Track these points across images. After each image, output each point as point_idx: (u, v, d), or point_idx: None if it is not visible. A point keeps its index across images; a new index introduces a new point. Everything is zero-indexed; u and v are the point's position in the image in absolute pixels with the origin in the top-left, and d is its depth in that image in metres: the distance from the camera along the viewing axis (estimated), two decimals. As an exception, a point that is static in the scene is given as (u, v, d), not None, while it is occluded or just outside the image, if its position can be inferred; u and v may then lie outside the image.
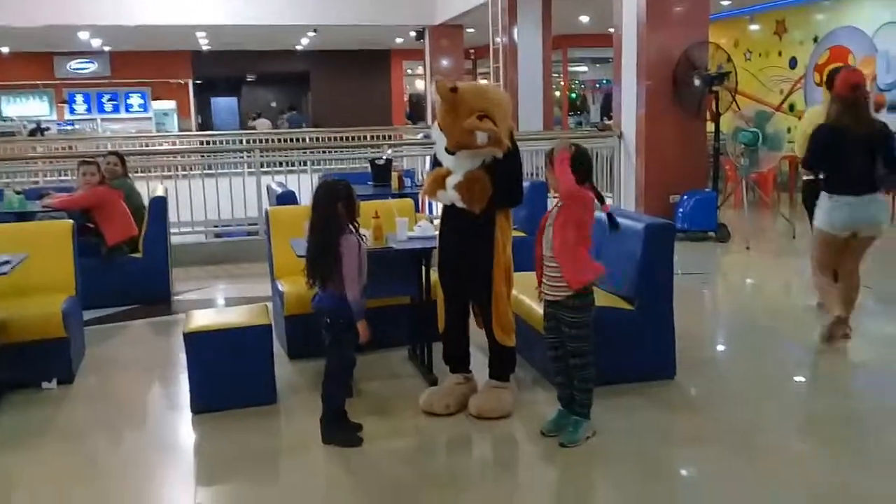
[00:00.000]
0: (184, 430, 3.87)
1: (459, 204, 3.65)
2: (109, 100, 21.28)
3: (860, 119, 4.71)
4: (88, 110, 21.22)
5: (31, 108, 20.73)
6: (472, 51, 20.86)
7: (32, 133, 18.21)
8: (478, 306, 3.88)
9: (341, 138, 15.24)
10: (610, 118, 11.82)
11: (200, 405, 3.93)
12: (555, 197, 3.56)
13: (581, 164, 3.38)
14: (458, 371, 3.97)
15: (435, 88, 3.58)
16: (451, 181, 3.65)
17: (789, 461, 3.48)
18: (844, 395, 4.19)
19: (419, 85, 22.38)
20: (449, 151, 3.62)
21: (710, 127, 8.87)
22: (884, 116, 11.47)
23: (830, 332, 4.81)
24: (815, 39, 13.31)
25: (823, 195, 4.84)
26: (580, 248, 3.38)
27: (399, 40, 19.96)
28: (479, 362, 4.05)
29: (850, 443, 3.53)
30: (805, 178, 5.94)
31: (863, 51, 12.40)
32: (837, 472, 3.26)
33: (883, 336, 5.47)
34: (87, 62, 20.63)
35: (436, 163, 3.87)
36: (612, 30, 9.26)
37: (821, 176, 4.98)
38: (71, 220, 5.20)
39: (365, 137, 14.85)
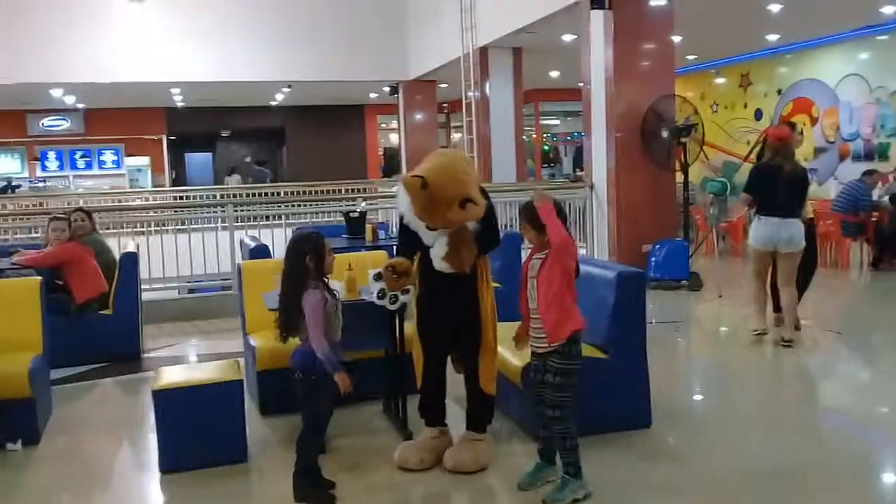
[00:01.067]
0: (152, 491, 3.77)
1: (448, 271, 3.62)
2: (82, 156, 21.19)
3: (786, 160, 6.06)
4: (61, 167, 21.10)
5: (2, 165, 20.58)
6: (445, 105, 21.15)
7: (3, 190, 18.06)
8: (463, 356, 3.86)
9: (316, 192, 15.31)
10: (582, 170, 11.98)
11: (169, 464, 3.83)
12: (528, 248, 3.57)
13: (560, 214, 3.39)
14: (434, 424, 3.92)
15: (404, 188, 3.52)
16: (437, 252, 3.61)
17: (767, 510, 3.47)
18: (819, 443, 4.19)
19: (393, 138, 22.59)
20: (431, 228, 3.62)
21: (680, 178, 9.02)
22: (847, 165, 11.78)
23: (756, 336, 6.17)
24: (779, 91, 13.69)
25: (755, 218, 6.13)
26: (567, 299, 3.34)
27: (373, 95, 20.20)
28: (453, 415, 4.01)
29: (832, 489, 3.51)
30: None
31: (825, 102, 12.77)
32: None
33: (855, 380, 5.51)
34: (60, 119, 20.59)
35: (403, 229, 3.82)
36: (581, 84, 9.46)
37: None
38: (39, 277, 5.13)
39: (340, 191, 14.91)
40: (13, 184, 18.92)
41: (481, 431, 3.87)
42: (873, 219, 9.68)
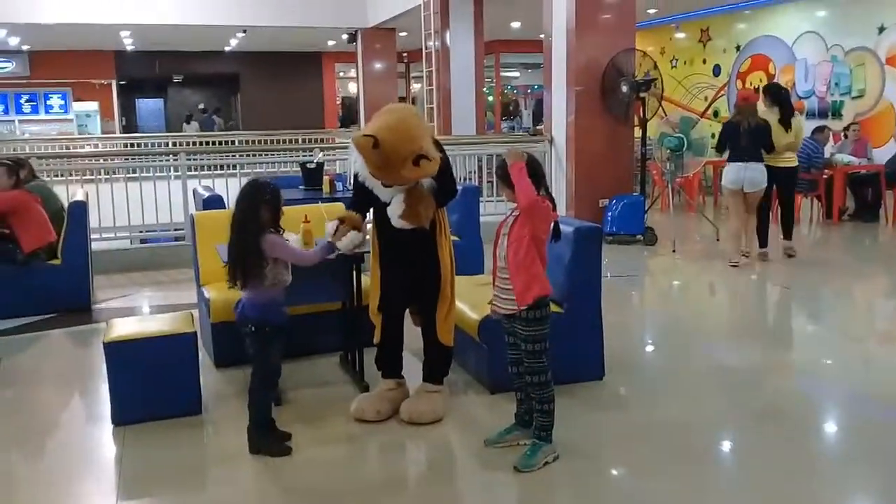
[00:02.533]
0: (104, 443, 3.73)
1: (407, 228, 3.58)
2: (28, 100, 20.49)
3: (748, 116, 7.28)
4: (6, 111, 20.40)
5: (-57, 107, 19.85)
6: (405, 54, 20.84)
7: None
8: (423, 309, 3.85)
9: (272, 141, 15.06)
10: (541, 123, 11.95)
11: (122, 417, 3.79)
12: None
13: (535, 172, 3.26)
14: (391, 376, 3.94)
15: (356, 148, 3.43)
16: (395, 210, 3.54)
17: (718, 460, 3.57)
18: (768, 393, 4.31)
19: (352, 88, 22.25)
20: (387, 185, 3.56)
21: (638, 133, 9.06)
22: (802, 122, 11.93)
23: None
24: (738, 48, 13.77)
25: (727, 164, 7.42)
26: (535, 263, 3.23)
27: (331, 43, 19.81)
28: (409, 367, 4.03)
29: (777, 441, 3.62)
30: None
31: (783, 59, 12.89)
32: (766, 471, 3.35)
33: (803, 333, 5.67)
34: (4, 61, 19.82)
35: (358, 187, 3.75)
36: (542, 36, 9.38)
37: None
38: (-17, 226, 4.98)
39: (296, 140, 14.69)
40: None
41: (438, 383, 3.89)
42: (825, 176, 9.87)
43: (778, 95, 7.60)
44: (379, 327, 3.90)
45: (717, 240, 8.69)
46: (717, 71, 14.29)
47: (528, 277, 3.23)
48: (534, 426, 3.39)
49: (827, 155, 10.05)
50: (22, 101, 20.45)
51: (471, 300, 4.14)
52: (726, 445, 3.72)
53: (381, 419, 3.76)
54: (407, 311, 3.94)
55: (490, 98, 18.94)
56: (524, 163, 3.20)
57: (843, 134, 10.85)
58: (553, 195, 3.45)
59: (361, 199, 3.77)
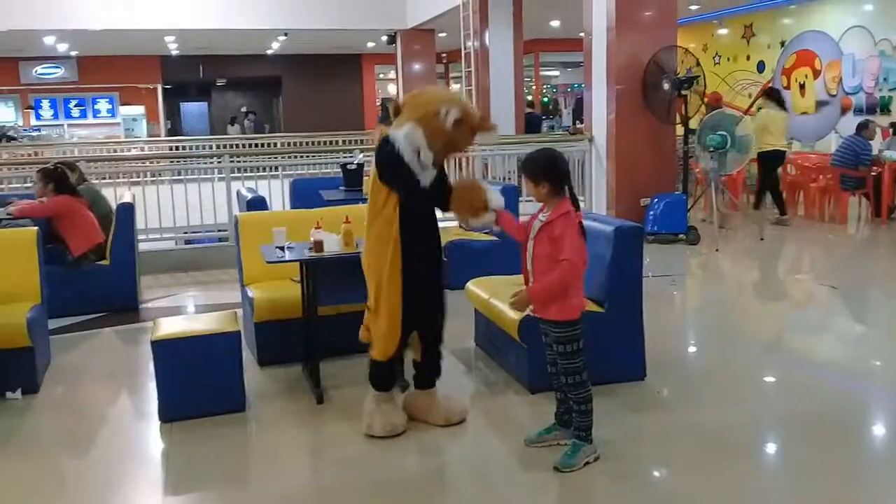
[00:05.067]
0: (152, 439, 3.81)
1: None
2: (77, 105, 21.00)
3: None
4: (55, 116, 20.93)
5: (-2, 113, 20.41)
6: (444, 55, 20.89)
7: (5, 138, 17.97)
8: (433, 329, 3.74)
9: (313, 143, 15.20)
10: (581, 122, 11.87)
11: (168, 414, 3.87)
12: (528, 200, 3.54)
13: (560, 169, 3.26)
14: (393, 385, 3.78)
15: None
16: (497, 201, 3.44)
17: (759, 461, 3.52)
18: (813, 395, 4.23)
19: (391, 89, 22.36)
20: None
21: (680, 130, 8.95)
22: (849, 119, 11.68)
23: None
24: (783, 43, 13.52)
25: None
26: (576, 280, 3.24)
27: (371, 44, 19.93)
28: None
29: (820, 443, 3.56)
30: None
31: (828, 55, 12.62)
32: (809, 473, 3.29)
33: (850, 335, 5.56)
34: (53, 67, 20.34)
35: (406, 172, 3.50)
36: (582, 34, 9.32)
37: None
38: (36, 228, 5.12)
39: (337, 142, 14.81)
40: (9, 133, 18.78)
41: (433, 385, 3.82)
42: (873, 173, 9.64)
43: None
44: (395, 342, 3.56)
45: (762, 239, 8.55)
46: (761, 67, 14.05)
47: (549, 296, 3.25)
48: (573, 427, 3.38)
49: (875, 151, 9.81)
50: (71, 105, 20.96)
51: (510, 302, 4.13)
52: (769, 447, 3.66)
53: (404, 429, 3.67)
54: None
55: (529, 97, 18.88)
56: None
57: (892, 130, 10.58)
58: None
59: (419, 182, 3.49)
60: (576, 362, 3.29)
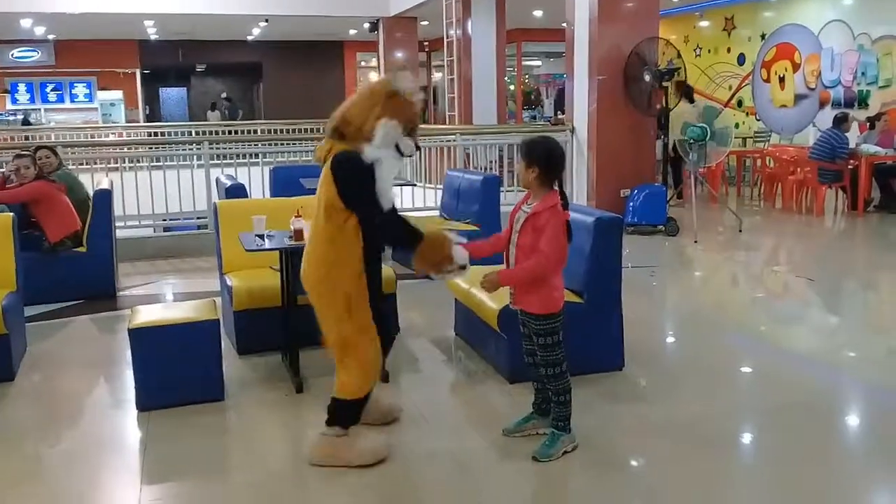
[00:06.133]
0: (129, 428, 3.79)
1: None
2: (53, 89, 20.71)
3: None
4: (31, 100, 20.63)
5: (-28, 96, 20.12)
6: (426, 43, 20.81)
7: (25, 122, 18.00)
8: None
9: (294, 130, 15.12)
10: (563, 112, 11.89)
11: (146, 403, 3.85)
12: (510, 190, 3.53)
13: (554, 159, 3.21)
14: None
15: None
16: (463, 258, 3.21)
17: (738, 452, 3.56)
18: (790, 386, 4.28)
19: (373, 77, 22.24)
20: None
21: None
22: (828, 112, 11.78)
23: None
24: (763, 36, 13.60)
25: None
26: (554, 276, 3.24)
27: (353, 32, 19.80)
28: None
29: (796, 433, 3.61)
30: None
31: (808, 48, 12.71)
32: (786, 463, 3.34)
33: (826, 326, 5.62)
34: (30, 51, 20.04)
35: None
36: (564, 25, 9.32)
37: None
38: (11, 213, 5.05)
39: (317, 129, 14.71)
40: (29, 119, 18.83)
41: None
42: (850, 167, 9.74)
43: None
44: (377, 369, 3.32)
45: (740, 231, 8.62)
46: (741, 60, 14.13)
47: (529, 288, 3.25)
48: (552, 416, 3.40)
49: (852, 145, 9.91)
50: (47, 89, 20.67)
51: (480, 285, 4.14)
52: (746, 437, 3.70)
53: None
54: None
55: (511, 87, 18.87)
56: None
57: (868, 124, 10.69)
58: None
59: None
60: (555, 354, 3.31)
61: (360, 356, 3.20)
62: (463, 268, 3.22)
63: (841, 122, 9.83)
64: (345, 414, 3.28)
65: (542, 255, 3.16)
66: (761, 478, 3.25)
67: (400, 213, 3.24)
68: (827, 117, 11.86)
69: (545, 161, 3.19)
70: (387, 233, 3.21)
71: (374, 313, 3.24)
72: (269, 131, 15.50)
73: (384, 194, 3.10)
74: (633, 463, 3.42)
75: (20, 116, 19.19)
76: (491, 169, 9.83)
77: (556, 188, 3.23)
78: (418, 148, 3.27)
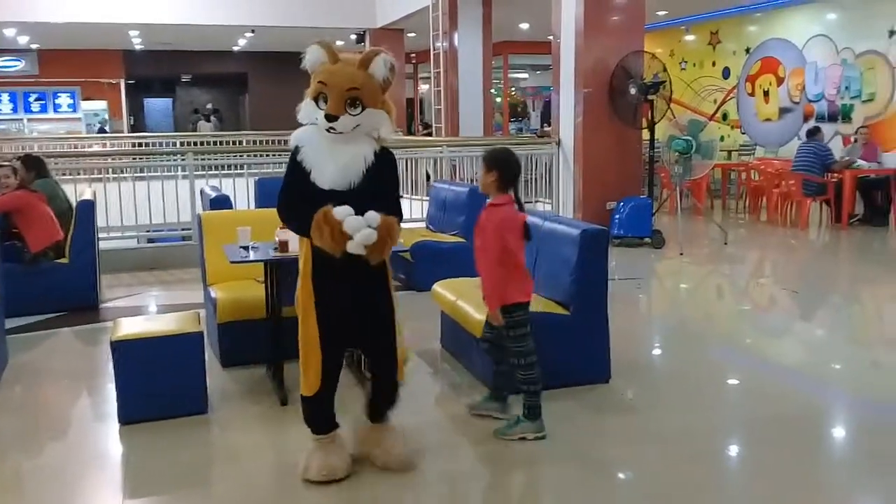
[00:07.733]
0: (111, 441, 3.74)
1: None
2: (37, 99, 20.57)
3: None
4: (14, 110, 20.48)
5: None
6: (413, 55, 20.84)
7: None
8: (377, 352, 3.32)
9: (279, 141, 15.06)
10: (549, 125, 11.92)
11: (128, 415, 3.79)
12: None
13: (511, 165, 3.47)
14: (332, 428, 3.30)
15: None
16: (363, 237, 2.94)
17: (723, 465, 3.55)
18: (775, 398, 4.28)
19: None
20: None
21: (646, 135, 9.03)
22: (810, 126, 11.87)
23: None
24: (748, 50, 13.72)
25: None
26: (498, 274, 3.45)
27: (340, 43, 19.80)
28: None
29: (782, 445, 3.61)
30: None
31: (792, 62, 12.83)
32: (771, 475, 3.33)
33: (811, 338, 5.64)
34: (13, 60, 19.89)
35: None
36: (550, 38, 9.36)
37: None
38: (-8, 224, 5.00)
39: (304, 141, 14.67)
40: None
41: (387, 419, 3.42)
42: (833, 179, 9.82)
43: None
44: (317, 374, 3.15)
45: (725, 244, 8.66)
46: (726, 74, 14.24)
47: (491, 286, 3.50)
48: (523, 405, 3.56)
49: (837, 157, 10.03)
50: (31, 99, 20.52)
51: (475, 301, 4.12)
52: (732, 449, 3.70)
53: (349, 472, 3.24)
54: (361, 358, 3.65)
55: (498, 99, 18.92)
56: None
57: (853, 138, 10.79)
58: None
59: (300, 186, 3.12)
60: (525, 345, 3.52)
61: (302, 357, 3.19)
62: (370, 229, 2.95)
63: (815, 134, 10.06)
64: (302, 410, 3.29)
65: (488, 254, 3.44)
66: (747, 490, 3.24)
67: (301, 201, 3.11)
68: (810, 131, 11.97)
69: (503, 166, 3.46)
70: (288, 223, 3.34)
71: (344, 326, 3.12)
72: (255, 142, 15.43)
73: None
74: (620, 475, 3.41)
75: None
76: (477, 181, 9.83)
77: (511, 193, 3.48)
78: (332, 118, 3.26)
